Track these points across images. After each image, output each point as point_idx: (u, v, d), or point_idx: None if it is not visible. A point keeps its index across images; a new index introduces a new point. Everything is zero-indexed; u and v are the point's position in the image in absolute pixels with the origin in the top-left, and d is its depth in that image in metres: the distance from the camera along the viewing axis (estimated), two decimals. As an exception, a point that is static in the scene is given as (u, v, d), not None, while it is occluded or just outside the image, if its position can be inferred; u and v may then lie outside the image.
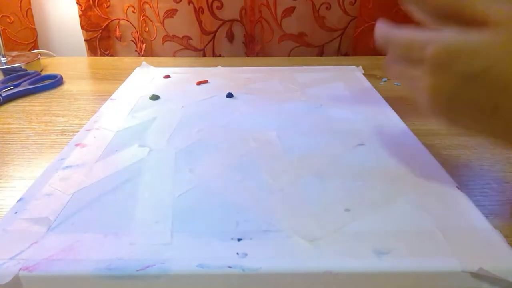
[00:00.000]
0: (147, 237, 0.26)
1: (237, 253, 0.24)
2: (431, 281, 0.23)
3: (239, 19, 0.76)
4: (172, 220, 0.27)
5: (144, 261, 0.24)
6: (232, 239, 0.26)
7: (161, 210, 0.29)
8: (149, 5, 0.75)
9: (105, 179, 0.33)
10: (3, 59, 0.65)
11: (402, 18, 0.72)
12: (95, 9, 0.77)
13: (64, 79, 0.62)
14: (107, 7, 0.77)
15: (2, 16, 0.77)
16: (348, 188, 0.31)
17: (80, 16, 0.77)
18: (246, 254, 0.24)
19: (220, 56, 0.79)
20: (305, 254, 0.24)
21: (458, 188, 0.31)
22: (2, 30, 0.72)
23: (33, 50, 0.80)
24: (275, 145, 0.38)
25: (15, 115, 0.50)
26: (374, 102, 0.49)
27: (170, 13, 0.75)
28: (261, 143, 0.38)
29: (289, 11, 0.75)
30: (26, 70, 0.64)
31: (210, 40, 0.77)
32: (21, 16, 0.78)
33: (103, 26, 0.78)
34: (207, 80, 0.57)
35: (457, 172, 0.35)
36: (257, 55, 0.78)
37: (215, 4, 0.74)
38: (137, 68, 0.64)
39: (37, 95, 0.57)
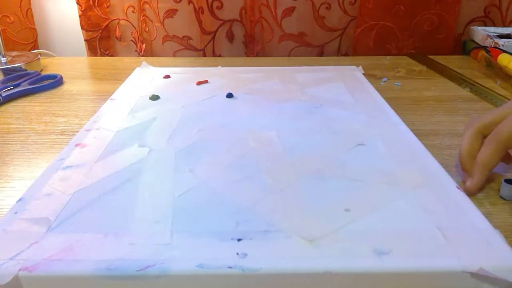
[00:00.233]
0: (147, 237, 0.26)
1: (237, 253, 0.24)
2: (431, 281, 0.23)
3: (239, 19, 0.76)
4: (172, 220, 0.27)
5: (144, 261, 0.24)
6: (232, 239, 0.25)
7: (161, 210, 0.29)
8: (149, 5, 0.75)
9: (105, 179, 0.33)
10: (3, 59, 0.65)
11: (402, 18, 0.73)
12: (95, 9, 0.77)
13: (64, 79, 0.62)
14: (107, 7, 0.77)
15: (2, 16, 0.77)
16: (348, 188, 0.31)
17: (80, 16, 0.77)
18: (246, 254, 0.24)
19: (220, 56, 0.79)
20: (305, 254, 0.24)
21: (458, 188, 0.31)
22: (2, 30, 0.72)
23: (33, 50, 0.80)
24: (275, 145, 0.38)
25: (15, 115, 0.50)
26: (374, 102, 0.49)
27: (170, 13, 0.75)
28: (261, 143, 0.38)
29: (289, 11, 0.75)
30: (26, 70, 0.64)
31: (210, 40, 0.77)
32: (21, 16, 0.78)
33: (103, 26, 0.78)
34: (207, 80, 0.57)
35: (457, 172, 0.35)
36: (257, 55, 0.78)
37: (215, 4, 0.74)
38: (137, 68, 0.64)
39: (37, 95, 0.57)
